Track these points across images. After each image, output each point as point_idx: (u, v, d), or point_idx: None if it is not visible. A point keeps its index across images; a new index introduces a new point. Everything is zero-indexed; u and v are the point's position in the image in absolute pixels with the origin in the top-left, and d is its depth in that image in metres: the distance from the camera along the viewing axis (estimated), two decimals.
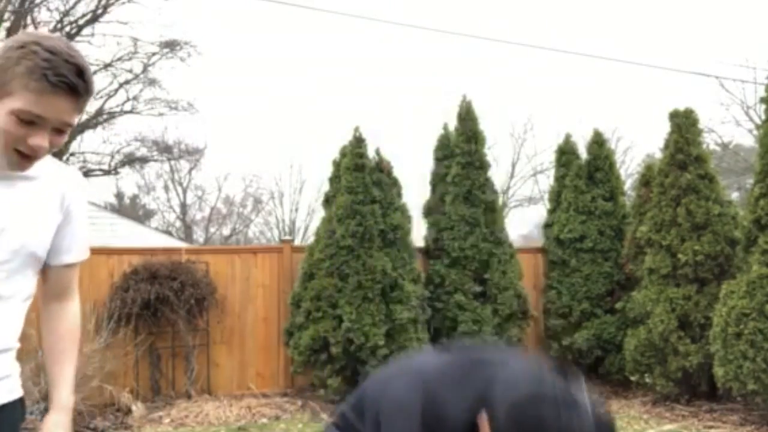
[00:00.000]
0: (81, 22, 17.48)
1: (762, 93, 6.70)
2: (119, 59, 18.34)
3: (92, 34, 17.61)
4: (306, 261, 7.50)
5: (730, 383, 6.03)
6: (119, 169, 21.70)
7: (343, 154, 7.67)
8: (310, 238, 8.97)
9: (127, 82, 19.08)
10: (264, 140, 36.38)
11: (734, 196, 20.42)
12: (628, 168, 24.69)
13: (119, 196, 30.06)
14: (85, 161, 20.00)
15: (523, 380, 0.81)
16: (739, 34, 33.73)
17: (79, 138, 19.45)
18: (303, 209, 28.70)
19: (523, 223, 28.28)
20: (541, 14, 37.29)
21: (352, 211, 7.25)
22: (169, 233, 26.04)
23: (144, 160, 23.49)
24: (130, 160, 22.29)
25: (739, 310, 5.95)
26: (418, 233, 8.20)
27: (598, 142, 8.57)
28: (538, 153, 26.59)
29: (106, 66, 18.20)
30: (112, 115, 19.72)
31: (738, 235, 6.54)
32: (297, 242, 19.03)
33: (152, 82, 19.31)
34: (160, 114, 20.17)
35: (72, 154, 19.26)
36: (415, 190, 8.80)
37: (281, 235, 28.50)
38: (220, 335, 7.71)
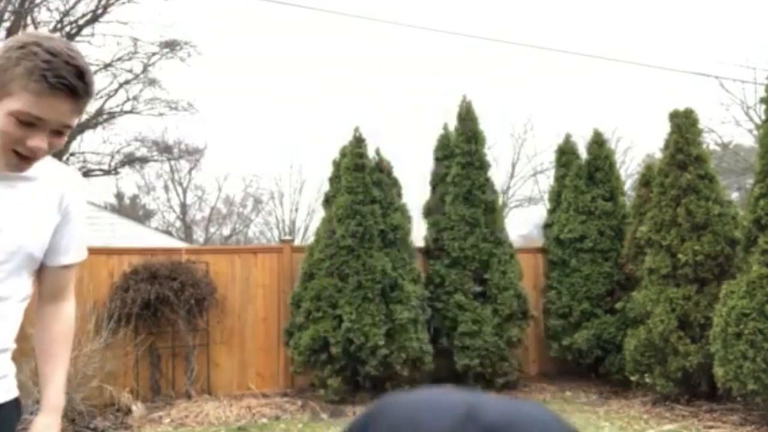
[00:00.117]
0: (81, 22, 17.48)
1: (762, 93, 6.70)
2: (119, 59, 18.35)
3: (92, 34, 17.61)
4: (306, 261, 7.50)
5: (730, 383, 6.03)
6: (119, 169, 21.70)
7: (343, 154, 7.67)
8: (310, 238, 8.97)
9: (127, 82, 19.08)
10: (264, 140, 36.37)
11: (734, 196, 20.43)
12: (628, 168, 24.70)
13: (119, 196, 30.06)
14: (85, 161, 20.01)
15: None
16: (739, 34, 33.74)
17: (79, 138, 19.45)
18: (303, 209, 28.73)
19: (523, 223, 28.28)
20: (541, 14, 37.29)
21: (352, 211, 7.25)
22: (169, 233, 26.04)
23: (144, 160, 23.49)
24: (130, 160, 22.29)
25: (739, 310, 5.95)
26: (418, 233, 8.22)
27: (598, 142, 8.57)
28: (538, 153, 26.63)
29: (106, 66, 18.20)
30: (112, 115, 19.72)
31: (738, 235, 6.53)
32: (297, 242, 19.03)
33: (152, 82, 19.31)
34: (160, 114, 20.17)
35: (72, 154, 19.26)
36: (415, 190, 8.82)
37: (281, 235, 28.50)
38: (220, 335, 7.71)
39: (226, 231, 31.88)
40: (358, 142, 7.56)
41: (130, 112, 19.75)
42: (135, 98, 19.57)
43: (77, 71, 1.49)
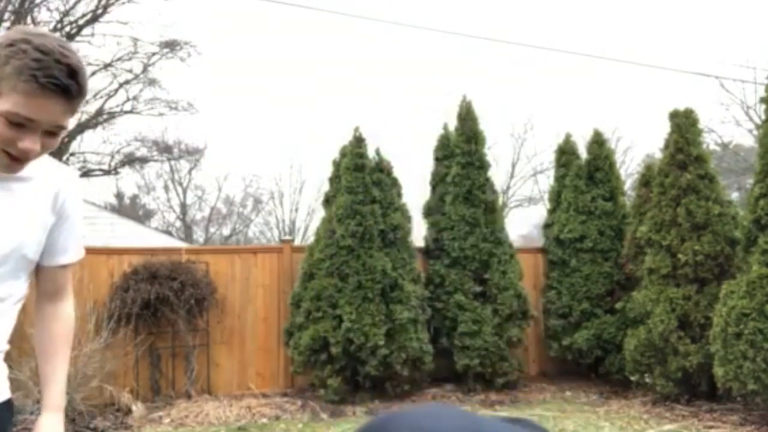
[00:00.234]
0: (81, 22, 17.47)
1: (762, 93, 6.70)
2: (119, 59, 18.34)
3: (92, 34, 17.60)
4: (306, 261, 7.50)
5: (730, 383, 6.03)
6: (119, 169, 21.69)
7: (343, 154, 7.67)
8: (310, 238, 8.97)
9: (127, 82, 19.07)
10: (264, 140, 36.37)
11: (734, 196, 20.43)
12: (628, 168, 24.71)
13: (119, 196, 30.06)
14: (85, 161, 20.00)
15: None
16: (739, 34, 33.74)
17: (79, 138, 19.45)
18: (303, 209, 28.75)
19: (523, 223, 28.30)
20: (541, 14, 37.29)
21: (352, 211, 7.25)
22: (169, 233, 26.04)
23: (144, 160, 23.48)
24: (130, 160, 22.28)
25: (739, 310, 5.95)
26: (418, 233, 8.22)
27: (598, 142, 8.57)
28: (538, 153, 26.72)
29: (106, 66, 18.19)
30: (112, 115, 19.71)
31: (738, 235, 6.53)
32: (297, 242, 19.02)
33: (152, 82, 19.31)
34: (160, 114, 20.17)
35: (72, 154, 19.26)
36: (415, 190, 8.81)
37: (281, 235, 28.51)
38: (220, 335, 7.71)
39: (226, 231, 31.90)
40: (358, 142, 7.56)
41: (130, 112, 19.74)
42: (135, 98, 19.56)
43: (69, 70, 1.42)
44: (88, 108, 18.26)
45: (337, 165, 7.78)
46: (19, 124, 1.43)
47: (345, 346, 7.00)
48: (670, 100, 8.32)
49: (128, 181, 33.84)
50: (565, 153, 8.73)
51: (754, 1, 27.63)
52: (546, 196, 18.07)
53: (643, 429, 6.22)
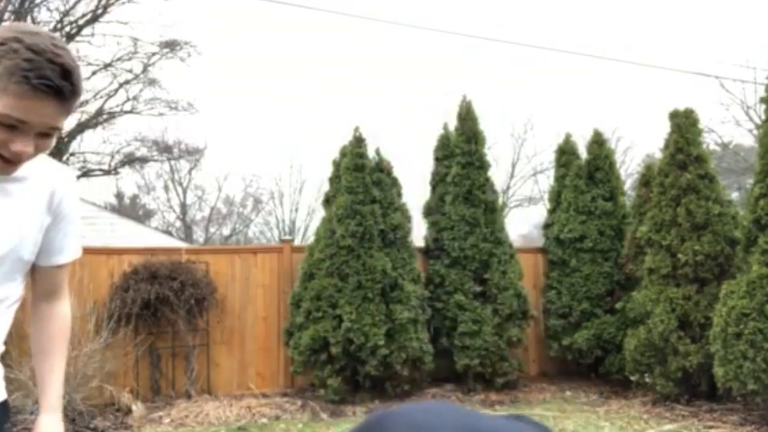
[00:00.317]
0: (81, 22, 17.47)
1: (762, 93, 6.70)
2: (119, 59, 18.33)
3: (92, 34, 17.60)
4: (306, 261, 7.50)
5: (730, 383, 6.03)
6: (119, 169, 21.68)
7: (343, 154, 7.67)
8: (310, 238, 8.97)
9: (127, 82, 19.06)
10: (264, 140, 36.37)
11: (734, 196, 20.42)
12: (628, 168, 24.71)
13: (119, 196, 30.06)
14: (85, 161, 19.99)
15: None
16: (739, 34, 33.74)
17: (79, 138, 19.44)
18: (303, 209, 28.74)
19: (523, 223, 28.30)
20: (541, 14, 37.29)
21: (352, 211, 7.25)
22: (169, 233, 26.03)
23: (144, 160, 23.48)
24: (130, 160, 22.28)
25: (739, 310, 5.95)
26: (418, 233, 8.22)
27: (598, 142, 8.57)
28: (538, 153, 26.69)
29: (106, 66, 18.19)
30: (112, 115, 19.70)
31: (738, 235, 6.53)
32: (297, 242, 19.03)
33: (152, 82, 19.30)
34: (160, 114, 20.16)
35: (72, 154, 19.25)
36: (415, 190, 8.81)
37: (281, 235, 28.51)
38: (220, 335, 7.71)
39: (226, 231, 31.90)
40: (358, 142, 7.56)
41: (130, 112, 19.73)
42: (135, 98, 19.55)
43: (62, 70, 1.37)
44: (88, 108, 18.27)
45: (337, 165, 7.78)
46: (11, 126, 1.39)
47: (345, 346, 7.00)
48: (670, 100, 8.32)
49: (128, 181, 33.82)
50: (565, 153, 8.73)
51: (754, 1, 27.64)
52: (546, 196, 18.07)
53: (643, 429, 6.22)
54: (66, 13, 17.10)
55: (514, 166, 26.41)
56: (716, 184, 7.00)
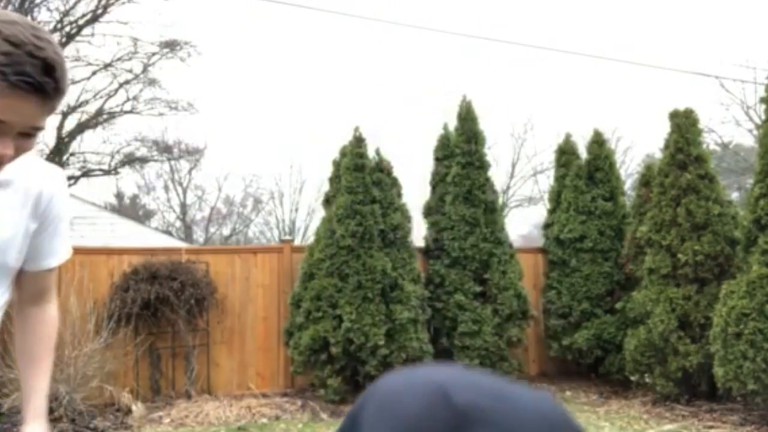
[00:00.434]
0: (81, 22, 17.47)
1: (762, 93, 6.70)
2: (119, 59, 18.33)
3: (92, 34, 17.60)
4: (306, 261, 7.50)
5: (730, 383, 6.03)
6: (119, 169, 21.68)
7: (343, 154, 7.67)
8: (310, 238, 8.97)
9: (127, 82, 19.07)
10: (264, 140, 36.37)
11: (734, 196, 20.42)
12: (628, 168, 24.71)
13: (119, 196, 30.06)
14: (85, 161, 19.99)
15: None
16: (739, 34, 33.74)
17: (79, 138, 19.45)
18: (303, 209, 28.74)
19: (523, 223, 28.31)
20: (541, 14, 37.30)
21: (352, 211, 7.25)
22: (169, 233, 26.04)
23: (144, 160, 23.48)
24: (130, 160, 22.28)
25: (739, 310, 5.95)
26: (418, 233, 8.21)
27: (598, 142, 8.57)
28: (538, 153, 26.64)
29: (106, 66, 18.19)
30: (112, 115, 19.70)
31: (738, 235, 6.54)
32: (297, 242, 19.03)
33: (152, 82, 19.30)
34: (160, 114, 20.16)
35: (72, 154, 19.26)
36: (415, 190, 8.81)
37: (281, 235, 28.51)
38: (220, 335, 7.71)
39: (226, 231, 31.90)
40: (358, 142, 7.56)
41: (130, 112, 19.74)
42: (135, 98, 19.55)
43: (45, 65, 1.22)
44: (88, 108, 18.27)
45: (337, 165, 7.78)
46: None
47: (345, 346, 7.00)
48: (670, 100, 8.31)
49: (128, 181, 33.81)
50: (565, 153, 8.73)
51: (754, 1, 27.65)
52: (546, 196, 18.07)
53: (643, 429, 6.22)
54: (66, 13, 17.11)
55: (514, 166, 26.45)
56: (716, 184, 7.01)
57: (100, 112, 19.16)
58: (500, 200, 10.26)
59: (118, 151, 21.00)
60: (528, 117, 31.60)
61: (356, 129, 7.65)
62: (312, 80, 37.47)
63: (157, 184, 30.20)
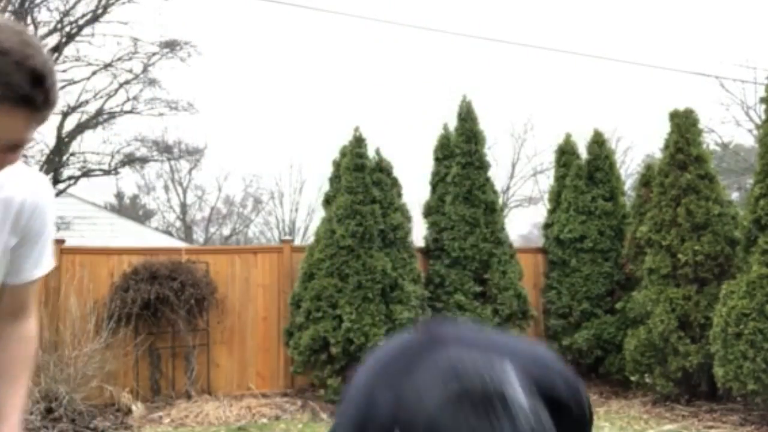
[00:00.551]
0: (81, 22, 17.46)
1: (762, 93, 6.71)
2: (119, 59, 18.31)
3: (92, 34, 17.58)
4: (306, 261, 7.50)
5: (730, 383, 6.04)
6: (119, 169, 21.66)
7: (343, 154, 7.67)
8: (310, 238, 8.97)
9: (127, 82, 19.04)
10: (264, 140, 36.38)
11: (734, 196, 20.41)
12: (628, 168, 24.69)
13: (119, 196, 30.05)
14: (85, 161, 19.97)
15: (436, 383, 0.69)
16: (739, 34, 33.75)
17: (79, 138, 19.44)
18: (303, 209, 28.72)
19: (523, 223, 28.31)
20: (541, 14, 37.30)
21: (352, 211, 7.25)
22: (169, 233, 26.04)
23: (144, 160, 23.44)
24: (130, 160, 22.25)
25: (739, 310, 5.95)
26: (418, 233, 8.21)
27: (598, 142, 8.58)
28: (538, 153, 26.59)
29: (106, 66, 18.18)
30: (112, 115, 19.69)
31: (738, 235, 6.54)
32: (297, 242, 19.03)
33: (152, 82, 19.28)
34: (160, 114, 20.12)
35: (72, 154, 19.25)
36: (415, 190, 8.81)
37: (281, 235, 28.51)
38: (220, 335, 7.71)
39: (226, 231, 31.89)
40: (358, 142, 7.56)
41: (130, 112, 19.72)
42: (135, 98, 19.53)
43: (33, 75, 1.12)
44: (88, 108, 18.27)
45: (337, 165, 7.78)
46: None
47: (345, 346, 7.00)
48: (670, 100, 8.31)
49: (128, 181, 33.88)
50: (565, 153, 8.73)
51: (754, 1, 27.64)
52: (546, 196, 18.06)
53: (643, 429, 6.22)
54: (66, 13, 17.10)
55: (514, 166, 26.42)
56: (716, 184, 7.01)
57: (100, 112, 19.15)
58: (500, 200, 10.25)
59: (118, 151, 20.98)
60: (528, 117, 31.63)
61: (356, 129, 7.65)
62: (312, 80, 37.49)
63: (157, 184, 30.20)
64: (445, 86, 29.98)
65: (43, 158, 14.93)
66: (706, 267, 6.74)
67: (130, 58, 18.48)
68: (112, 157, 20.72)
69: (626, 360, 7.22)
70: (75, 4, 17.16)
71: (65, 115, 17.05)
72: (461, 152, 8.04)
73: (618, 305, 7.74)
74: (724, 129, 29.39)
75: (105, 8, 17.50)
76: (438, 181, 8.34)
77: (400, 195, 7.86)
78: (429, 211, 8.33)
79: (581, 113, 24.48)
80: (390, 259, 7.33)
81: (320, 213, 8.19)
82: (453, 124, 8.35)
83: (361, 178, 7.38)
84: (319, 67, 38.06)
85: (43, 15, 16.96)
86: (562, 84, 32.13)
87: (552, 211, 8.78)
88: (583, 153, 8.67)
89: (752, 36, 33.19)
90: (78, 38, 17.31)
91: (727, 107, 22.36)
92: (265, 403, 7.16)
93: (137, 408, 6.76)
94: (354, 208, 7.26)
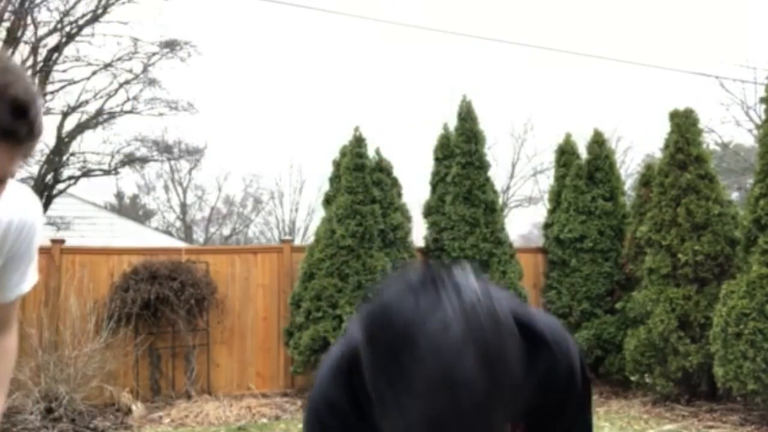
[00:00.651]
0: (81, 22, 17.46)
1: (762, 93, 6.71)
2: (119, 59, 18.30)
3: (92, 34, 17.57)
4: (306, 261, 7.50)
5: (730, 383, 6.03)
6: (119, 169, 21.65)
7: (343, 154, 7.67)
8: (310, 238, 8.97)
9: (127, 82, 19.03)
10: (264, 140, 36.38)
11: (734, 196, 20.40)
12: (628, 168, 24.68)
13: (119, 196, 30.05)
14: (85, 161, 19.95)
15: (397, 281, 0.77)
16: (739, 34, 33.76)
17: (79, 138, 19.43)
18: (303, 209, 28.72)
19: (523, 223, 28.31)
20: (542, 14, 37.30)
21: (352, 211, 7.25)
22: (169, 233, 26.04)
23: (144, 160, 23.42)
24: (130, 160, 22.23)
25: (739, 310, 5.95)
26: (418, 233, 8.21)
27: (598, 142, 8.57)
28: (538, 153, 26.59)
29: (106, 66, 18.17)
30: (112, 115, 19.67)
31: (738, 235, 6.54)
32: (297, 242, 19.03)
33: (152, 82, 19.27)
34: (160, 114, 20.10)
35: (72, 154, 19.25)
36: (415, 190, 8.81)
37: (281, 235, 28.51)
38: (220, 335, 7.71)
39: (226, 231, 31.88)
40: (358, 142, 7.56)
41: (130, 112, 19.70)
42: (135, 98, 19.51)
43: (15, 106, 1.01)
44: (88, 108, 18.27)
45: (337, 165, 7.78)
46: None
47: None
48: (670, 100, 8.31)
49: (128, 181, 33.84)
50: (565, 153, 8.73)
51: (754, 1, 27.65)
52: (546, 196, 18.06)
53: (643, 429, 6.22)
54: (66, 13, 17.09)
55: (514, 166, 26.42)
56: (716, 184, 7.01)
57: (100, 112, 19.14)
58: (500, 200, 10.25)
59: (118, 151, 20.96)
60: (528, 117, 31.58)
61: (356, 129, 7.65)
62: (312, 80, 37.49)
63: (157, 184, 30.20)
64: (445, 86, 29.97)
65: (43, 158, 14.93)
66: (706, 267, 6.74)
67: (130, 58, 18.47)
68: (112, 157, 20.70)
69: (626, 360, 7.21)
70: (75, 4, 17.15)
71: (65, 115, 17.04)
72: (461, 152, 8.04)
73: (618, 305, 7.74)
74: (724, 129, 29.38)
75: (105, 8, 17.49)
76: (438, 181, 8.34)
77: (400, 195, 7.86)
78: (429, 211, 8.33)
79: (581, 113, 24.48)
80: (390, 259, 7.33)
81: (320, 213, 8.20)
82: (453, 124, 8.35)
83: (361, 178, 7.38)
84: (319, 67, 38.07)
85: (43, 15, 16.94)
86: (562, 84, 32.15)
87: (552, 211, 8.78)
88: (583, 153, 8.67)
89: (752, 36, 33.20)
90: (78, 38, 17.29)
91: (727, 107, 22.35)
92: (265, 403, 7.16)
93: (137, 408, 6.76)
94: (354, 208, 7.26)
